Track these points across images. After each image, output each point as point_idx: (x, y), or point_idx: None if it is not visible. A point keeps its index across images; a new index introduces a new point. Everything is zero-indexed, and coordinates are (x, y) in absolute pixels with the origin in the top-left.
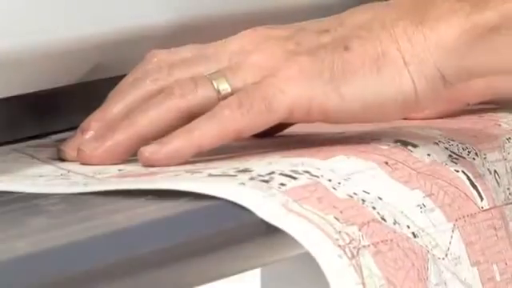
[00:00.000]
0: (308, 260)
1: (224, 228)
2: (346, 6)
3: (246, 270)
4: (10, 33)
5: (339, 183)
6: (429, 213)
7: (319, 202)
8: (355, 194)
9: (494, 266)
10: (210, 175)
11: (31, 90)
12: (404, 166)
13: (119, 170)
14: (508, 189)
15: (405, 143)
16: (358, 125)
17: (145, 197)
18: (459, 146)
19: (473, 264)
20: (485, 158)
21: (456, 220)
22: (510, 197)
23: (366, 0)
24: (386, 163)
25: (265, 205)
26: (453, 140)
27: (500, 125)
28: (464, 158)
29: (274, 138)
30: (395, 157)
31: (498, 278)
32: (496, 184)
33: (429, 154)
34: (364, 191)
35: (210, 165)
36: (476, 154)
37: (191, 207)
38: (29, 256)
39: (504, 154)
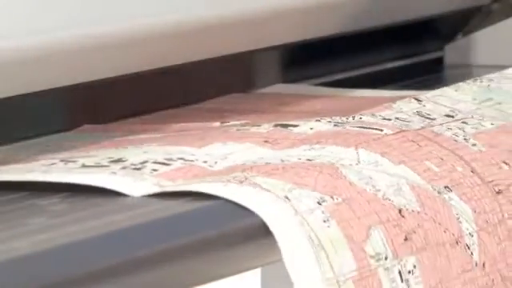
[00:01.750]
0: None
1: (224, 228)
2: (346, 6)
3: (246, 270)
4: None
5: (216, 162)
6: (320, 149)
7: (195, 177)
8: (234, 162)
9: (427, 162)
10: (84, 166)
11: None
12: (285, 140)
13: None
14: (424, 122)
15: (285, 125)
16: (239, 114)
17: (145, 196)
18: (343, 118)
19: (397, 164)
20: (373, 115)
21: (356, 145)
22: (430, 123)
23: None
24: (266, 141)
25: (135, 184)
26: (336, 116)
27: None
28: (349, 122)
29: (154, 129)
30: (275, 136)
31: (435, 169)
32: (403, 122)
33: (311, 128)
34: (244, 161)
35: (86, 154)
36: (361, 117)
37: (191, 207)
38: (29, 256)
39: (396, 110)
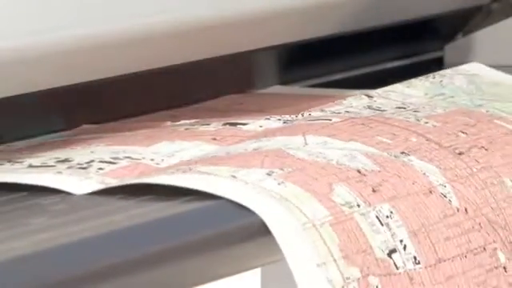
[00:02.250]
0: None
1: (224, 228)
2: (346, 6)
3: (246, 270)
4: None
5: (162, 160)
6: (268, 140)
7: (141, 174)
8: (181, 160)
9: (379, 137)
10: (31, 166)
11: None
12: (233, 138)
13: None
14: (374, 113)
15: (233, 124)
16: (190, 116)
17: (145, 197)
18: (292, 116)
19: (347, 141)
20: (323, 110)
21: (304, 132)
22: (380, 114)
23: None
24: (214, 139)
25: (80, 183)
26: (283, 115)
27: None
28: (299, 119)
29: (101, 130)
30: (223, 133)
31: (388, 141)
32: (353, 114)
33: (261, 126)
34: (190, 158)
35: (33, 154)
36: (311, 112)
37: (191, 207)
38: (29, 256)
39: (346, 105)
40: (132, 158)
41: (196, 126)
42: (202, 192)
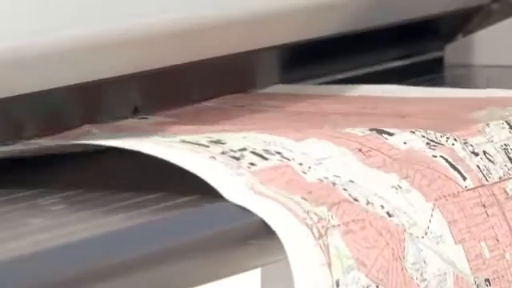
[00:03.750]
0: None
1: (224, 228)
2: (346, 6)
3: (246, 270)
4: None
5: (309, 167)
6: (405, 193)
7: (287, 185)
8: (326, 178)
9: (483, 243)
10: (183, 141)
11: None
12: (378, 153)
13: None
14: (506, 165)
15: (380, 131)
16: (338, 113)
17: (145, 197)
18: (437, 134)
19: (457, 242)
20: (465, 143)
21: (436, 200)
22: (509, 172)
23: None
24: (360, 150)
25: (231, 184)
26: (430, 130)
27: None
28: (443, 144)
29: (252, 111)
30: (369, 144)
31: (487, 254)
32: (488, 163)
33: (405, 142)
34: (335, 175)
35: (183, 128)
36: (455, 139)
37: (191, 207)
38: (29, 256)
39: (488, 137)
40: (282, 156)
41: (343, 126)
42: (201, 192)
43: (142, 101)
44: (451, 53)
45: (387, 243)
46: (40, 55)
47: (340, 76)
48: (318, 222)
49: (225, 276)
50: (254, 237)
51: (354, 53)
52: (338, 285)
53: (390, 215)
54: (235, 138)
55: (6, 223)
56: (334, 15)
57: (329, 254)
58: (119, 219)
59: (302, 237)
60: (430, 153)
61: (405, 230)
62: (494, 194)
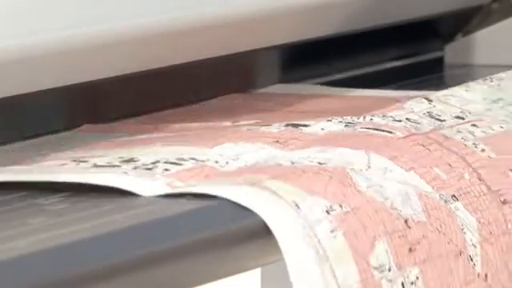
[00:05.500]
0: None
1: (224, 228)
2: (346, 6)
3: (246, 270)
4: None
5: (227, 162)
6: (332, 151)
7: (207, 178)
8: (246, 165)
9: (436, 169)
10: (95, 165)
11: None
12: (296, 141)
13: None
14: (434, 123)
15: (295, 125)
16: (248, 114)
17: (144, 197)
18: (353, 117)
19: (407, 170)
20: (384, 116)
21: (366, 150)
22: (441, 125)
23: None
24: (277, 141)
25: (148, 185)
26: (346, 116)
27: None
28: (360, 122)
29: (162, 128)
30: (286, 136)
31: (444, 176)
32: (414, 124)
33: (322, 129)
34: (256, 162)
35: (97, 154)
36: (372, 116)
37: (191, 207)
38: (29, 256)
39: (407, 110)
40: (197, 160)
41: (257, 127)
42: (201, 192)
43: (142, 101)
44: (451, 53)
45: (330, 177)
46: (40, 55)
47: (340, 76)
48: (256, 182)
49: (225, 276)
50: (254, 237)
51: (353, 53)
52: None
53: (321, 164)
54: (146, 153)
55: (6, 223)
56: (333, 15)
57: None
58: (119, 219)
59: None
60: (349, 130)
61: (345, 168)
62: (430, 138)
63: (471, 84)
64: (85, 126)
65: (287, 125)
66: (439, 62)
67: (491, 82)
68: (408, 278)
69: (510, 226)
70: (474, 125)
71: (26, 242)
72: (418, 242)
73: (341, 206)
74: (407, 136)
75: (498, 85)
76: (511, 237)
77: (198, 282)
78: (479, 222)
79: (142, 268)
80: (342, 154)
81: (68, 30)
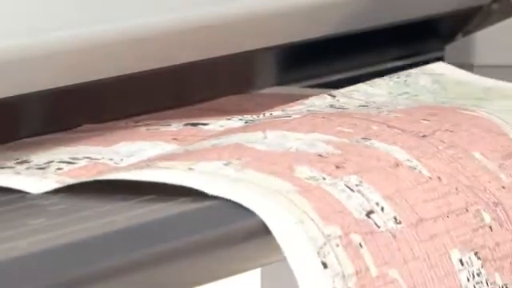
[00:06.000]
0: None
1: (224, 228)
2: (346, 6)
3: (246, 270)
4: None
5: (122, 159)
6: (227, 137)
7: (100, 174)
8: (142, 161)
9: (339, 128)
10: None
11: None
12: (194, 137)
13: None
14: (337, 111)
15: (195, 124)
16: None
17: (145, 197)
18: (253, 116)
19: (307, 132)
20: (283, 110)
21: (264, 130)
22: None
23: None
24: (174, 139)
25: (38, 182)
26: (244, 115)
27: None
28: (260, 119)
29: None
30: (184, 133)
31: (350, 130)
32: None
33: (222, 126)
34: (155, 159)
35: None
36: (272, 113)
37: (191, 207)
38: (29, 256)
39: (308, 105)
40: (91, 158)
41: (157, 127)
42: (201, 192)
43: (141, 101)
44: (451, 53)
45: (225, 149)
46: (40, 55)
47: (340, 76)
48: (147, 166)
49: (225, 276)
50: (254, 237)
51: (353, 53)
52: None
53: (216, 145)
54: (42, 155)
55: (7, 223)
56: (334, 15)
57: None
58: (119, 219)
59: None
60: (248, 125)
61: (239, 143)
62: (331, 114)
63: (377, 80)
64: (84, 126)
65: (186, 124)
66: (439, 61)
67: (398, 78)
68: (350, 181)
69: (440, 148)
70: (378, 108)
71: (27, 243)
72: (343, 163)
73: (240, 159)
74: (306, 115)
75: (405, 81)
76: (449, 152)
77: (198, 282)
78: (404, 148)
79: (142, 268)
80: (238, 137)
81: (68, 30)
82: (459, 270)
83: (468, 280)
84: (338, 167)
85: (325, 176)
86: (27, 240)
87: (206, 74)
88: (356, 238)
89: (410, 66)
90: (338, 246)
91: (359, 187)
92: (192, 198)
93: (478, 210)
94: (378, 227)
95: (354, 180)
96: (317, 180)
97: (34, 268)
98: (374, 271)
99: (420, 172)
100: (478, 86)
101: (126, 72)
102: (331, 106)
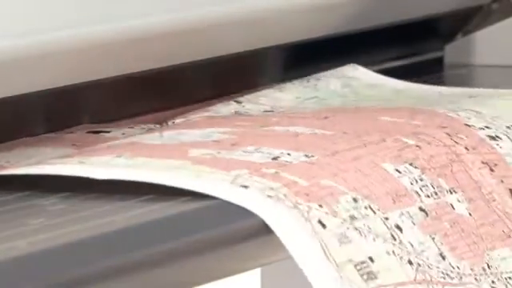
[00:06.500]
0: None
1: (224, 228)
2: (347, 5)
3: (246, 269)
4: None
5: (17, 161)
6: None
7: None
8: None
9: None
10: None
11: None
12: (94, 143)
13: None
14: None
15: (96, 132)
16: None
17: (145, 197)
18: (156, 125)
19: (203, 128)
20: (187, 119)
21: (161, 131)
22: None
23: None
24: (73, 145)
25: None
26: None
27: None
28: (164, 127)
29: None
30: (84, 140)
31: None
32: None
33: (123, 134)
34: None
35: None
36: (175, 120)
37: (191, 207)
38: (29, 256)
39: (214, 111)
40: None
41: (61, 134)
42: (201, 192)
43: (141, 101)
44: (451, 53)
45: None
46: (40, 55)
47: None
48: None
49: (225, 276)
50: (254, 237)
51: (353, 53)
52: None
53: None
54: None
55: (6, 223)
56: (334, 15)
57: None
58: (119, 219)
59: None
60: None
61: (133, 141)
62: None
63: (286, 85)
64: (82, 126)
65: (88, 132)
66: (439, 62)
67: (308, 82)
68: (247, 149)
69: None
70: (283, 112)
71: (26, 243)
72: (240, 141)
73: (132, 151)
74: (203, 120)
75: (315, 85)
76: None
77: (198, 282)
78: (307, 127)
79: (142, 268)
80: (135, 138)
81: (68, 30)
82: (398, 177)
83: (412, 184)
84: (233, 145)
85: (220, 151)
86: (27, 240)
87: (206, 74)
88: (269, 171)
89: (410, 66)
90: (251, 176)
91: (259, 150)
92: (192, 198)
93: (397, 139)
94: (290, 162)
95: (250, 149)
96: (212, 154)
97: (34, 268)
98: (303, 183)
99: (323, 134)
100: (389, 89)
101: (125, 72)
102: (236, 112)
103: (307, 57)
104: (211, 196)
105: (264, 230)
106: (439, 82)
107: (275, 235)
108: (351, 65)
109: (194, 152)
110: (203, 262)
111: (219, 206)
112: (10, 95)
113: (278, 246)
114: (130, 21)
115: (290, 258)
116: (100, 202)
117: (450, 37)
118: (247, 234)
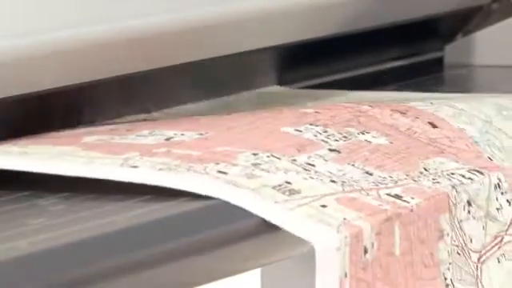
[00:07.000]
0: (308, 259)
1: (224, 228)
2: (346, 6)
3: (246, 269)
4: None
5: None
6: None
7: None
8: None
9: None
10: None
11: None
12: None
13: None
14: None
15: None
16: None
17: (145, 197)
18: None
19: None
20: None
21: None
22: None
23: None
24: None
25: None
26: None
27: None
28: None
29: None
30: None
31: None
32: None
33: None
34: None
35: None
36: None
37: (191, 207)
38: (29, 256)
39: None
40: None
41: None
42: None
43: (141, 101)
44: (451, 53)
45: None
46: (40, 55)
47: (339, 76)
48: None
49: (225, 276)
50: (254, 237)
51: (353, 53)
52: None
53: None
54: None
55: (6, 223)
56: (334, 15)
57: None
58: (120, 219)
59: None
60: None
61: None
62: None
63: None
64: (81, 126)
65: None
66: (439, 62)
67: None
68: (142, 132)
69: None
70: None
71: (27, 243)
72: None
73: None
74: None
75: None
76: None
77: (198, 282)
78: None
79: (142, 268)
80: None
81: (68, 30)
82: (300, 134)
83: (316, 136)
84: (128, 130)
85: (114, 137)
86: (27, 240)
87: (206, 74)
88: (160, 150)
89: (410, 66)
90: (142, 157)
91: (153, 133)
92: (192, 198)
93: (295, 109)
94: (183, 141)
95: (145, 132)
96: (105, 140)
97: (34, 268)
98: (196, 154)
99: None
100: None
101: (125, 72)
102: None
103: (307, 57)
104: (211, 196)
105: (264, 229)
106: (439, 82)
107: (275, 235)
108: (274, 86)
109: (87, 139)
110: (203, 261)
111: (219, 206)
112: (10, 95)
113: (278, 245)
114: (129, 21)
115: (290, 257)
116: (100, 202)
117: (450, 37)
118: (247, 234)
